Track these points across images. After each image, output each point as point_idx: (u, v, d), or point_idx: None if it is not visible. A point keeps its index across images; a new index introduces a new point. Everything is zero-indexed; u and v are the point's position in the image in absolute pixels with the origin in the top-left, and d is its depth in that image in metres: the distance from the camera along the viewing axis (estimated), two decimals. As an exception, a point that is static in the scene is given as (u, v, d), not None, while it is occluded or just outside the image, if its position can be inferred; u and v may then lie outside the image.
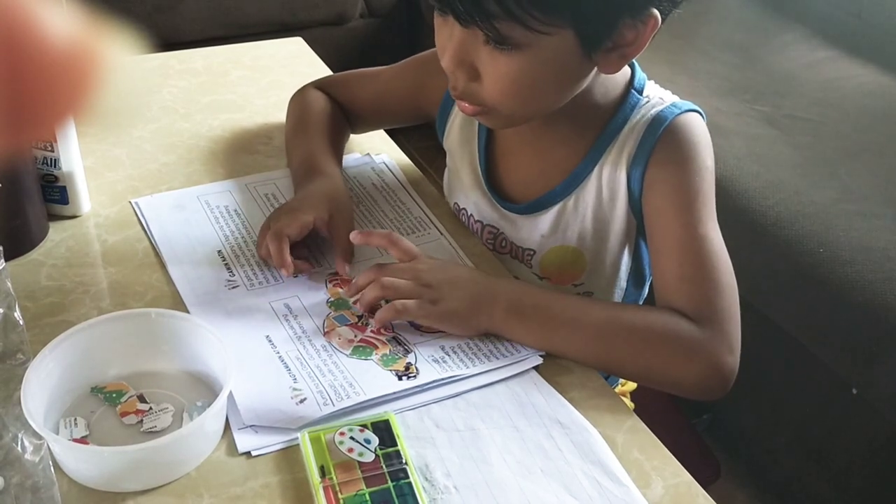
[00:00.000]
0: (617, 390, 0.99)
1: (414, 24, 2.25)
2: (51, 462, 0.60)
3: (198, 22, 1.95)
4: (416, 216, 0.89)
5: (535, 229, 0.85)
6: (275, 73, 1.16)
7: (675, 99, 0.81)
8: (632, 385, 1.03)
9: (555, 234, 0.84)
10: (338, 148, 0.93)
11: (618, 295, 0.88)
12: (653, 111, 0.79)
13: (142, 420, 0.65)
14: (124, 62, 0.29)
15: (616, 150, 0.80)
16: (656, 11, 0.70)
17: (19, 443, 0.60)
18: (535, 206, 0.84)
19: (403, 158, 0.99)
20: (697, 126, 0.79)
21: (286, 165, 0.95)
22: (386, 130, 1.04)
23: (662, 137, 0.77)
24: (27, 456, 0.60)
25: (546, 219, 0.84)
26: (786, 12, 1.87)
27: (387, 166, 0.97)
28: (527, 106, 0.75)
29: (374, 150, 0.99)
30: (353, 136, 1.01)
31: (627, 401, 1.02)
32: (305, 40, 1.26)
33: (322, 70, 1.17)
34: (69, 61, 0.28)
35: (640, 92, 0.81)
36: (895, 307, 1.09)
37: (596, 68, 0.74)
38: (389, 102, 0.96)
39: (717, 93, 1.51)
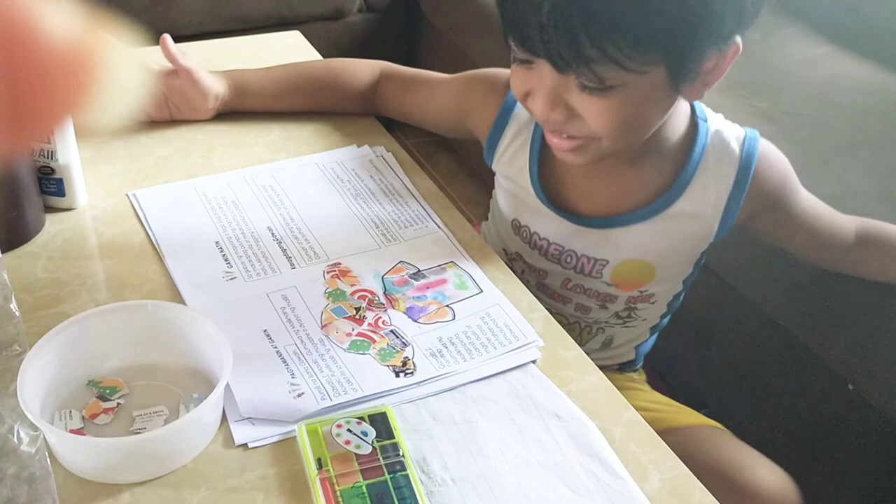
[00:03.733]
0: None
1: (412, 20, 2.25)
2: (47, 453, 0.60)
3: (195, 16, 1.94)
4: (414, 209, 0.89)
5: (610, 242, 0.88)
6: (272, 67, 1.15)
7: (729, 123, 0.88)
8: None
9: (632, 249, 0.88)
10: (279, 81, 1.01)
11: (673, 295, 0.96)
12: (733, 144, 0.85)
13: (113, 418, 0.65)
14: (122, 57, 0.29)
15: (705, 180, 0.85)
16: (739, 39, 0.74)
17: (15, 434, 0.60)
18: (615, 222, 0.87)
19: (400, 152, 0.99)
20: (773, 151, 0.88)
21: (284, 157, 0.96)
22: (383, 124, 1.04)
23: (758, 174, 0.85)
24: (23, 447, 0.60)
25: (625, 234, 0.87)
26: (784, 8, 1.87)
27: (384, 159, 0.96)
28: (626, 138, 0.78)
29: (372, 142, 0.99)
30: (349, 130, 1.01)
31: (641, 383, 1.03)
32: (303, 35, 1.26)
33: (320, 64, 1.17)
34: (68, 59, 0.27)
35: (702, 118, 0.86)
36: (891, 302, 1.09)
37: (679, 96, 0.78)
38: (432, 112, 1.00)
39: (714, 89, 1.50)
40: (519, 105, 0.89)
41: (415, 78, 1.01)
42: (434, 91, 0.99)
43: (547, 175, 0.89)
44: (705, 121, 0.86)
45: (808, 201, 0.91)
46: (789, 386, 1.31)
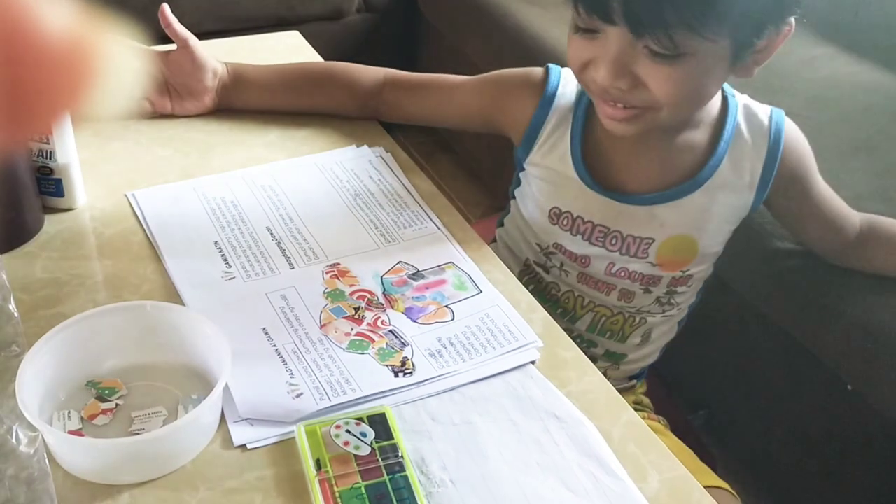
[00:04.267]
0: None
1: (411, 20, 2.25)
2: (45, 454, 0.60)
3: (194, 16, 1.94)
4: (413, 209, 0.89)
5: (656, 219, 0.89)
6: (272, 67, 1.15)
7: (754, 101, 0.91)
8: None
9: (677, 224, 0.89)
10: (270, 76, 1.02)
11: (703, 279, 0.97)
12: (762, 117, 0.89)
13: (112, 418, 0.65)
14: (121, 50, 0.29)
15: (739, 151, 0.88)
16: (793, 19, 0.77)
17: (14, 435, 0.60)
18: (662, 198, 0.88)
19: (400, 152, 0.99)
20: (797, 128, 0.91)
21: (283, 157, 0.95)
22: (382, 124, 1.04)
23: (787, 148, 0.89)
24: (22, 448, 0.60)
25: (671, 209, 0.88)
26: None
27: (383, 160, 0.96)
28: (685, 109, 0.82)
29: (371, 143, 0.99)
30: (349, 130, 1.01)
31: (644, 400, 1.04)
32: (303, 35, 1.26)
33: (319, 64, 1.17)
34: (66, 56, 0.27)
35: (729, 93, 0.89)
36: (891, 304, 1.09)
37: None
38: (450, 113, 1.00)
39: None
40: (559, 97, 0.91)
41: (423, 82, 1.00)
42: (452, 93, 0.98)
43: (590, 157, 0.89)
44: (732, 95, 0.89)
45: (824, 184, 0.95)
46: (788, 386, 1.31)
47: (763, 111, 0.90)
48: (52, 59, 0.27)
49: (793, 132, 0.90)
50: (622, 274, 0.92)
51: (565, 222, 0.92)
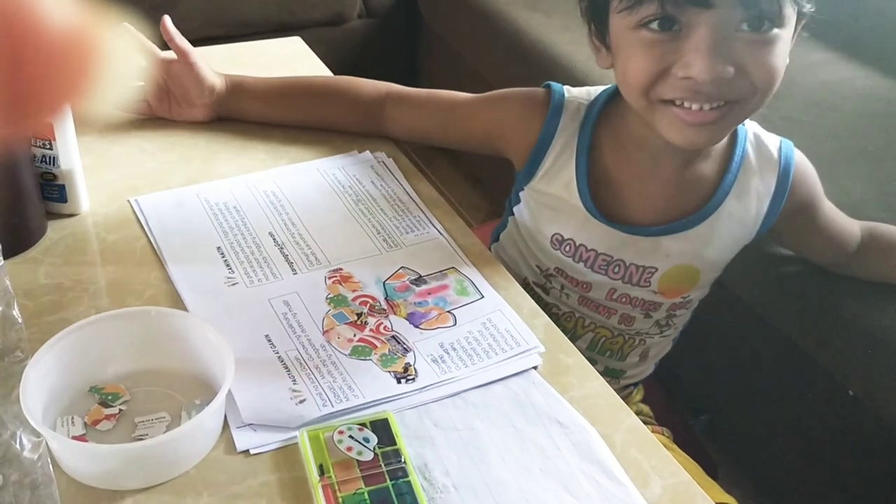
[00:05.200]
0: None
1: (412, 25, 2.25)
2: (49, 460, 0.60)
3: (196, 21, 1.95)
4: (415, 215, 0.89)
5: (660, 250, 0.88)
6: (273, 73, 1.15)
7: (763, 130, 0.91)
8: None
9: (682, 255, 0.89)
10: (272, 89, 1.01)
11: (700, 300, 0.97)
12: (772, 150, 0.89)
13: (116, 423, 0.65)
14: (122, 45, 0.29)
15: (747, 181, 0.88)
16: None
17: (18, 440, 0.60)
18: (668, 230, 0.88)
19: (401, 157, 0.99)
20: (806, 160, 0.92)
21: (285, 162, 0.96)
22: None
23: (795, 181, 0.89)
24: (26, 453, 0.60)
25: (675, 241, 0.88)
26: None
27: (385, 165, 0.97)
28: (770, 93, 0.77)
29: (373, 148, 0.99)
30: (350, 135, 1.01)
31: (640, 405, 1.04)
32: (304, 40, 1.26)
33: (321, 70, 1.17)
34: (68, 46, 0.28)
35: None
36: (891, 310, 1.09)
37: None
38: (455, 133, 0.98)
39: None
40: (563, 118, 0.88)
41: (428, 99, 0.98)
42: (455, 112, 0.96)
43: (596, 186, 0.87)
44: (742, 123, 0.87)
45: (828, 206, 0.95)
46: (789, 391, 1.31)
47: (773, 142, 0.89)
48: (52, 52, 0.27)
49: (802, 164, 0.90)
50: (623, 300, 0.92)
51: (567, 249, 0.90)
